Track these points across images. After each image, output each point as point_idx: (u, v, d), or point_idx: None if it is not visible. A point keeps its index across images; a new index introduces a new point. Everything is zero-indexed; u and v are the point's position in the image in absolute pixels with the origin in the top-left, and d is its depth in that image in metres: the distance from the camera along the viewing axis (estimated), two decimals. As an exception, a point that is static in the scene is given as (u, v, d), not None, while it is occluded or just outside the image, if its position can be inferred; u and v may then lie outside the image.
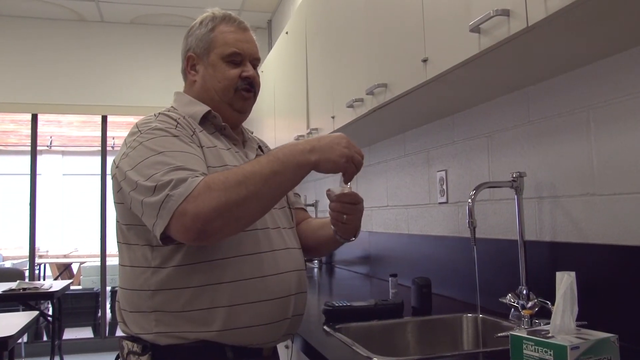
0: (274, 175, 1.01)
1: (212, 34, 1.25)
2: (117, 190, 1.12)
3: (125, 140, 1.14)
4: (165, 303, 1.08)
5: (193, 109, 1.22)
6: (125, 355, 1.13)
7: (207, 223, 0.96)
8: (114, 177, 1.13)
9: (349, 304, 1.65)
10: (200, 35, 1.26)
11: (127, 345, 1.13)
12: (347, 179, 1.12)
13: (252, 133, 1.41)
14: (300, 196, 1.51)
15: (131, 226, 1.12)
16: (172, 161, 1.02)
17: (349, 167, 1.07)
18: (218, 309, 1.07)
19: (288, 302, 1.16)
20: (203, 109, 1.22)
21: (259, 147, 1.37)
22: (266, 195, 1.01)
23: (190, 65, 1.28)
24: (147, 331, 1.09)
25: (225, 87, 1.24)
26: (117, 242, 1.18)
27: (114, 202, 1.16)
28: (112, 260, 5.42)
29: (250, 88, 1.26)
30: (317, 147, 1.04)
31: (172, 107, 1.26)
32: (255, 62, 1.29)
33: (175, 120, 1.15)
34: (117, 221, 1.17)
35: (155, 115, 1.17)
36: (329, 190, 1.20)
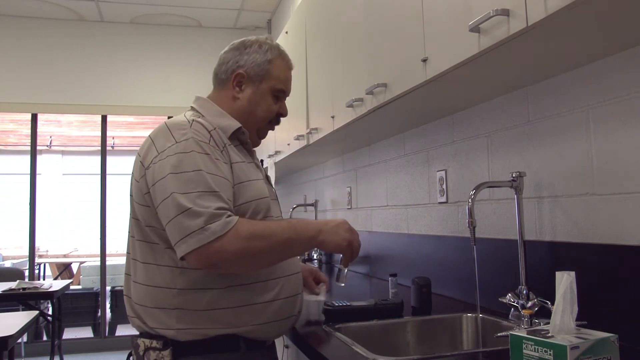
0: (288, 241, 1.16)
1: (270, 66, 1.33)
2: (145, 193, 1.14)
3: (154, 142, 1.16)
4: (189, 302, 1.13)
5: (224, 122, 1.27)
6: (142, 353, 1.14)
7: (222, 262, 1.08)
8: (141, 178, 1.15)
9: (348, 304, 1.65)
10: (259, 60, 1.32)
11: (144, 342, 1.15)
12: (345, 262, 1.28)
13: None
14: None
15: (156, 229, 1.15)
16: (209, 182, 1.09)
17: (348, 250, 1.24)
18: (242, 307, 1.16)
19: (297, 300, 1.30)
20: (235, 124, 1.28)
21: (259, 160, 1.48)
22: (278, 254, 1.17)
23: (237, 81, 1.33)
24: (167, 327, 1.13)
25: (265, 117, 1.35)
26: (136, 239, 1.20)
27: (136, 203, 1.18)
28: (112, 260, 5.42)
29: (278, 123, 1.40)
30: (324, 230, 1.21)
31: (198, 112, 1.29)
32: (287, 96, 1.42)
33: (209, 132, 1.19)
34: (136, 219, 1.19)
35: (189, 121, 1.20)
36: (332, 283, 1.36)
